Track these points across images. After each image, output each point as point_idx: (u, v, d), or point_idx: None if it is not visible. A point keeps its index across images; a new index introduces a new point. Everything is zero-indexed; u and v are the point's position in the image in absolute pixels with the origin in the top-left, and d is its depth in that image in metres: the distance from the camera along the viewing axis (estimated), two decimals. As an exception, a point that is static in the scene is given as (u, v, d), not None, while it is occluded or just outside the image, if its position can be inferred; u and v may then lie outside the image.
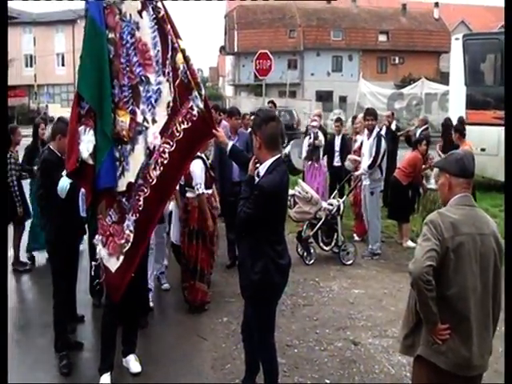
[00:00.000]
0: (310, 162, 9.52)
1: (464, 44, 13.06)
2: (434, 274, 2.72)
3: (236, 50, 43.80)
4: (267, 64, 14.49)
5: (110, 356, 4.27)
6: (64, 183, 4.40)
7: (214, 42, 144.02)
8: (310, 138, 9.43)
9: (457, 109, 12.75)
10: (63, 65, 47.79)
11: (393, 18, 45.45)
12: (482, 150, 11.37)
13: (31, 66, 46.07)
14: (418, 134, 10.76)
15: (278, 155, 3.64)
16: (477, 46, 13.12)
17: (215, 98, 37.02)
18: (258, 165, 3.65)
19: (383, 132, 10.64)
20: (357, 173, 7.90)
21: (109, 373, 4.23)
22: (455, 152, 3.13)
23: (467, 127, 9.40)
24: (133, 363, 4.48)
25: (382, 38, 44.58)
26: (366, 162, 7.64)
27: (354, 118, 11.08)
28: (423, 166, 8.36)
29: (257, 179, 3.59)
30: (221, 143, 4.01)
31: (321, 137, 9.45)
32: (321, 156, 9.57)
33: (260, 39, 41.18)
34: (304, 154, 9.61)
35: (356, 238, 8.58)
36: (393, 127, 11.21)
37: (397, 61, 44.19)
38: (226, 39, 46.03)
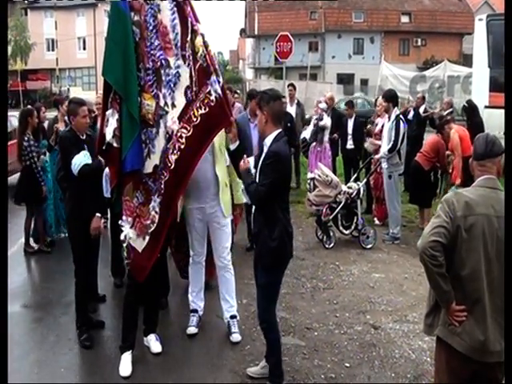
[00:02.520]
0: (314, 144, 9.62)
1: (488, 25, 12.68)
2: (447, 253, 2.72)
3: (256, 32, 43.35)
4: (288, 46, 14.33)
5: (131, 335, 4.33)
6: (78, 160, 4.44)
7: (234, 24, 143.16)
8: (315, 119, 9.49)
9: (480, 91, 12.45)
10: (84, 48, 48.09)
11: (415, -1, 44.60)
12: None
13: (53, 50, 46.40)
14: (442, 117, 10.60)
15: (280, 130, 3.82)
16: (501, 26, 12.68)
17: (235, 81, 36.90)
18: (248, 163, 3.80)
19: (410, 115, 10.54)
20: (377, 156, 7.82)
21: (130, 351, 4.29)
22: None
23: (489, 110, 9.13)
24: (153, 343, 4.53)
25: (405, 19, 43.71)
26: (385, 145, 7.55)
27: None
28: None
29: (265, 149, 3.77)
30: (229, 134, 4.18)
31: (325, 119, 9.44)
32: (325, 138, 9.57)
33: (281, 21, 40.76)
34: (308, 135, 9.68)
35: (376, 222, 8.52)
36: (421, 111, 11.07)
37: (419, 43, 43.34)
38: (246, 22, 45.67)
